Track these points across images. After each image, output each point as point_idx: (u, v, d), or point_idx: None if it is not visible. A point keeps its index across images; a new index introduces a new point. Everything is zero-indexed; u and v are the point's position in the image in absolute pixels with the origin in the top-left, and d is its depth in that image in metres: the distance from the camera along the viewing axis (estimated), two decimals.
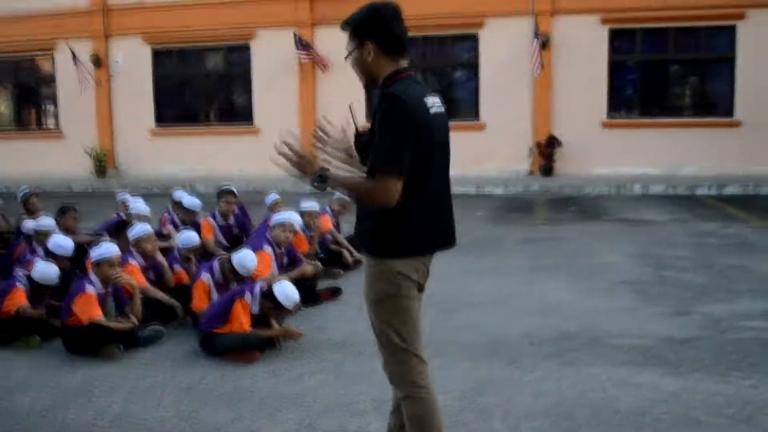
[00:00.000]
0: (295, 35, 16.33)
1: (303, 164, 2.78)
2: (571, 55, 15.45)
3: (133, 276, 5.73)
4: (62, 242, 5.96)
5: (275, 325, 5.15)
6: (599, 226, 10.33)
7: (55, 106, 19.04)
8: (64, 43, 17.98)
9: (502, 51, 15.74)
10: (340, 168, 2.99)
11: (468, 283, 6.89)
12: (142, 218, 7.08)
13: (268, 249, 6.32)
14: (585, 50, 15.41)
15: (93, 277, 5.31)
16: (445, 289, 6.69)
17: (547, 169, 15.44)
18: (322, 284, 6.78)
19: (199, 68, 18.28)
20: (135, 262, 5.96)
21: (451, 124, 3.11)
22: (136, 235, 6.09)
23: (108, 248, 5.34)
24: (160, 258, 6.20)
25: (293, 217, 6.67)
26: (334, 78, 16.15)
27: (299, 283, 6.18)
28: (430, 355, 4.85)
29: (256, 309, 5.04)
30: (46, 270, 5.57)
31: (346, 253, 7.65)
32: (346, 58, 2.96)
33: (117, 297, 5.43)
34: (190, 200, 7.91)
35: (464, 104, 16.55)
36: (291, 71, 16.99)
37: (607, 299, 6.23)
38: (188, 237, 6.41)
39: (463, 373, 4.57)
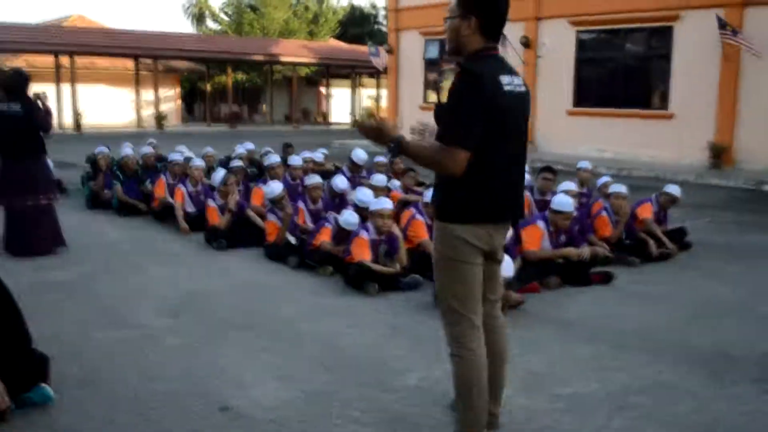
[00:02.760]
0: (718, 17, 15.17)
1: (378, 133, 2.99)
2: None
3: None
4: (362, 196, 7.07)
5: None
6: None
7: None
8: None
9: None
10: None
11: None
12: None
13: (540, 225, 6.49)
14: None
15: (370, 225, 6.31)
16: (725, 293, 6.14)
17: None
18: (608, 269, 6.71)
19: (620, 51, 18.16)
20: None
21: None
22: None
23: (383, 203, 6.28)
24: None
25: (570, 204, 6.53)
26: (765, 64, 14.78)
27: (570, 263, 6.34)
28: (638, 351, 4.63)
29: None
30: (349, 218, 6.74)
31: (651, 244, 7.34)
32: (445, 20, 3.10)
33: (390, 244, 6.35)
34: None
35: None
36: (714, 55, 15.83)
37: None
38: None
39: (648, 374, 4.33)
